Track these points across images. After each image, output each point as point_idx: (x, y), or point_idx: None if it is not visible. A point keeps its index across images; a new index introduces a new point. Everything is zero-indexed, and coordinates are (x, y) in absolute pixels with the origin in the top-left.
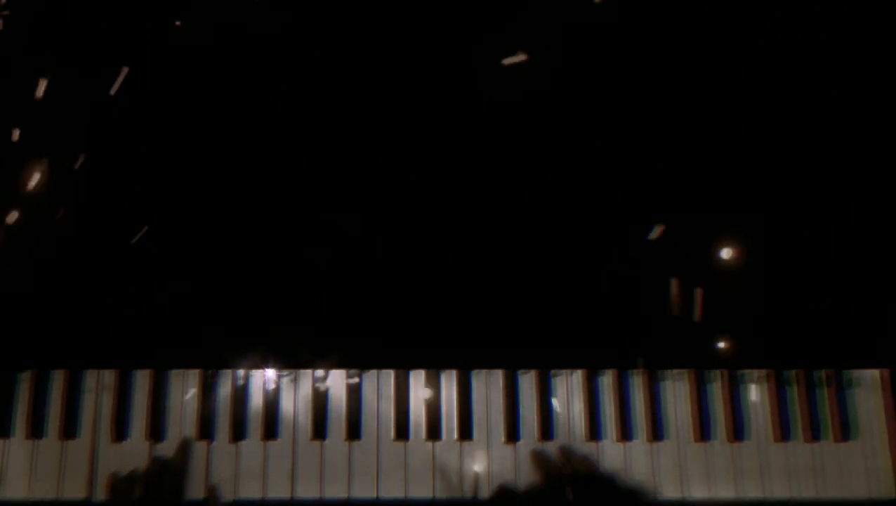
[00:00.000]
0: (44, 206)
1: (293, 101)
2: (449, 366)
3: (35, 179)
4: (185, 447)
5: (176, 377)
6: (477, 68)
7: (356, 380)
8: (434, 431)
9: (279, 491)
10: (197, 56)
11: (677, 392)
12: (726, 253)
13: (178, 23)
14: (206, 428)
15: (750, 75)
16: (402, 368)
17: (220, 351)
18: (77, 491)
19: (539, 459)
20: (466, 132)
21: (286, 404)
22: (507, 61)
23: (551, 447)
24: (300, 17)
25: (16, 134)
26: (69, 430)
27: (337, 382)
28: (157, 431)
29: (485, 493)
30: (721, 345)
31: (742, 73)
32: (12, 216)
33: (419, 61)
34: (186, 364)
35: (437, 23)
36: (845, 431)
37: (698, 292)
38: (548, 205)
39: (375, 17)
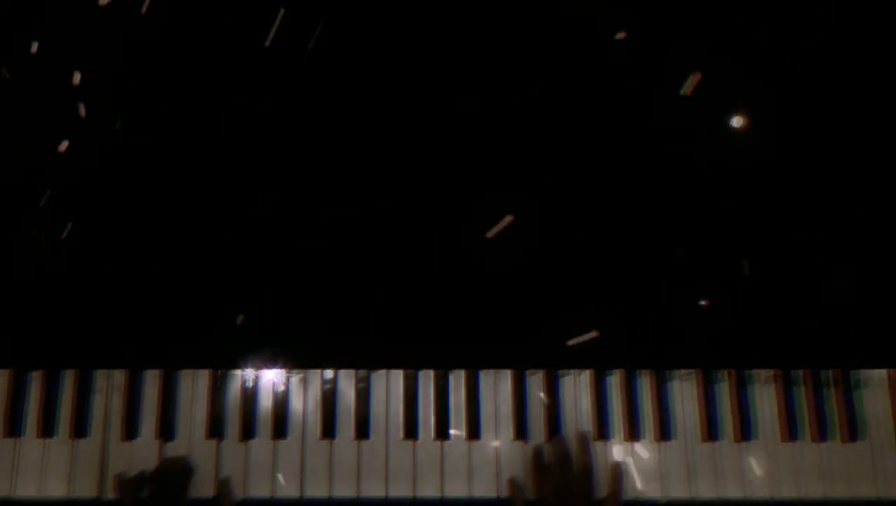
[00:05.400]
0: (52, 205)
1: (297, 100)
2: (457, 366)
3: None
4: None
5: (186, 377)
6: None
7: (365, 379)
8: (443, 430)
9: (288, 490)
10: (199, 55)
11: (685, 392)
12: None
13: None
14: (215, 427)
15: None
16: (412, 368)
17: (229, 351)
18: (87, 490)
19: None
20: (468, 130)
21: (295, 404)
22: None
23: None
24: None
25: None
26: (80, 429)
27: (346, 381)
28: (167, 430)
29: (493, 492)
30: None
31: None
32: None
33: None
34: (196, 364)
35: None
36: (853, 431)
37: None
38: (553, 204)
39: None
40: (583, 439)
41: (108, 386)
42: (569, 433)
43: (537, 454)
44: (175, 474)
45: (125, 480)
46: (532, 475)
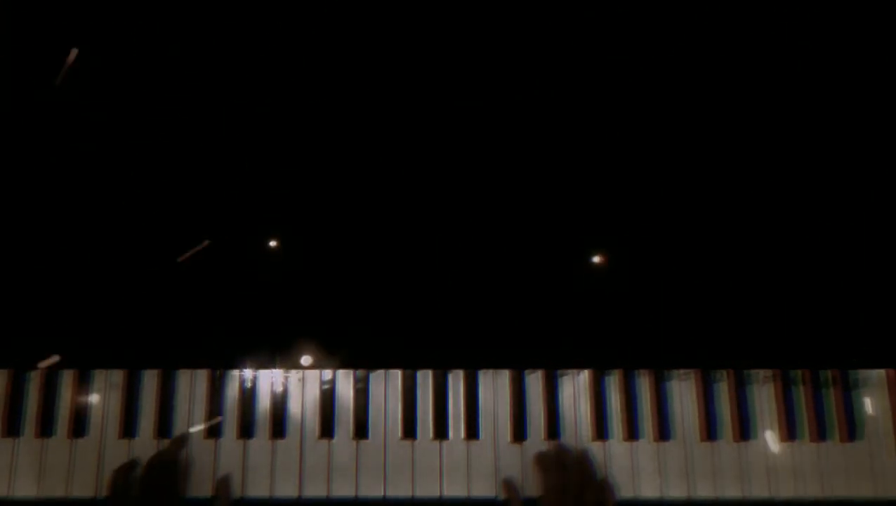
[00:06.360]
0: (53, 206)
1: (297, 104)
2: (456, 366)
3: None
4: (183, 441)
5: (184, 377)
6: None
7: (363, 379)
8: (441, 430)
9: (287, 490)
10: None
11: (684, 392)
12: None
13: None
14: (213, 427)
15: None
16: (410, 368)
17: (228, 351)
18: (85, 489)
19: (548, 456)
20: (467, 131)
21: (293, 403)
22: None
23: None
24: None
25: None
26: (78, 429)
27: (344, 381)
28: (164, 430)
29: (491, 492)
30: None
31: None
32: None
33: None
34: (194, 364)
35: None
36: (851, 431)
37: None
38: (553, 205)
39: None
40: (583, 452)
41: (107, 386)
42: (569, 438)
43: (538, 455)
44: (166, 464)
45: (116, 468)
46: (535, 475)
